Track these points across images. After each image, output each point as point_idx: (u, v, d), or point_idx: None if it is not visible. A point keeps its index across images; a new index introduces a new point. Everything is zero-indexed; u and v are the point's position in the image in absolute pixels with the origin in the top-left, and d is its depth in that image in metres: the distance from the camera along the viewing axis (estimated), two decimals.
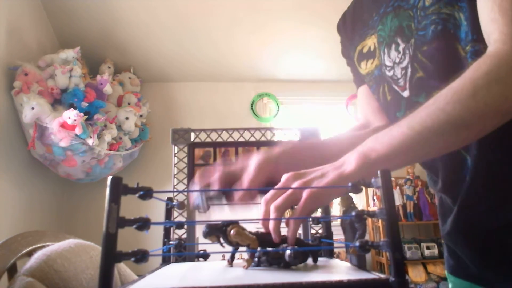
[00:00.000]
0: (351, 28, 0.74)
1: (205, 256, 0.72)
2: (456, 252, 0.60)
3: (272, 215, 0.46)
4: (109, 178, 0.34)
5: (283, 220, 0.47)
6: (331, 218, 0.72)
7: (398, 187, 2.81)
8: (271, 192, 0.48)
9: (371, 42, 0.67)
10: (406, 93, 0.59)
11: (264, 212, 0.48)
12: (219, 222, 0.49)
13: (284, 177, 0.47)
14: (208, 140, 0.91)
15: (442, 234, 0.64)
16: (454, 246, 0.60)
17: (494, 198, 0.51)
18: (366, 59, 0.69)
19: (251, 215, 0.56)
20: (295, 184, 0.46)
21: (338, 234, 2.63)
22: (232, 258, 0.54)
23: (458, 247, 0.59)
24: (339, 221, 2.65)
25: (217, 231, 0.49)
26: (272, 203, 0.46)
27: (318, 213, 0.81)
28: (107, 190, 0.33)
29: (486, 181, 0.51)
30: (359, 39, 0.70)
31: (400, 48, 0.58)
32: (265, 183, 0.53)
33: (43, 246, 0.92)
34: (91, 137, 2.16)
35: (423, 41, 0.54)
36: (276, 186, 0.48)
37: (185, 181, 0.86)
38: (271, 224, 0.47)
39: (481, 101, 0.40)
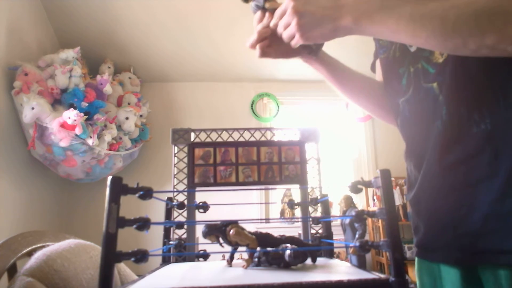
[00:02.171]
0: None
1: (205, 256, 0.72)
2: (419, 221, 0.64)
3: None
4: (109, 178, 0.34)
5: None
6: (331, 218, 0.72)
7: (398, 187, 2.81)
8: None
9: None
10: (413, 48, 0.63)
11: None
12: (219, 222, 0.49)
13: None
14: (208, 140, 0.91)
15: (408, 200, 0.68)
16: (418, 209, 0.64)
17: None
18: None
19: (251, 215, 0.56)
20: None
21: (338, 234, 2.63)
22: (232, 258, 0.54)
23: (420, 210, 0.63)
24: (339, 221, 2.65)
25: (216, 231, 0.49)
26: None
27: (318, 213, 0.81)
28: (107, 190, 0.33)
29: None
30: None
31: None
32: None
33: (43, 246, 0.92)
34: (91, 137, 2.16)
35: None
36: None
37: (185, 181, 0.86)
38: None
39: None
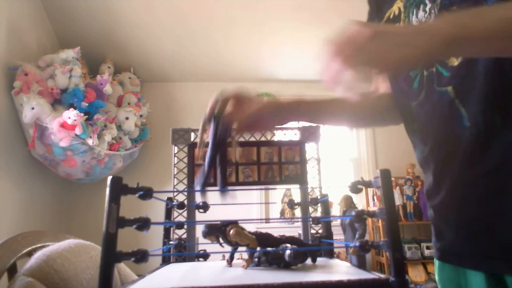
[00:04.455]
0: None
1: (205, 256, 0.72)
2: (442, 229, 0.62)
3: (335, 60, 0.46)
4: (109, 178, 0.34)
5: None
6: (331, 218, 0.72)
7: (398, 187, 2.81)
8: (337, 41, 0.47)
9: (396, 7, 0.70)
10: None
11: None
12: (219, 222, 0.49)
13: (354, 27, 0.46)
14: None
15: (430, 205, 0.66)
16: (442, 218, 0.62)
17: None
18: (393, 23, 0.71)
19: (251, 215, 0.56)
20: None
21: (338, 234, 2.63)
22: (232, 258, 0.54)
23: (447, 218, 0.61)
24: (339, 221, 2.65)
25: (216, 231, 0.49)
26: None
27: (318, 213, 0.81)
28: (107, 190, 0.33)
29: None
30: (388, 6, 0.73)
31: (427, 8, 0.60)
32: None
33: (43, 246, 0.92)
34: (91, 137, 2.16)
35: (451, 1, 0.55)
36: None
37: (185, 181, 0.86)
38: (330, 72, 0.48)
39: None
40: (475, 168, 0.55)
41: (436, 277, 0.67)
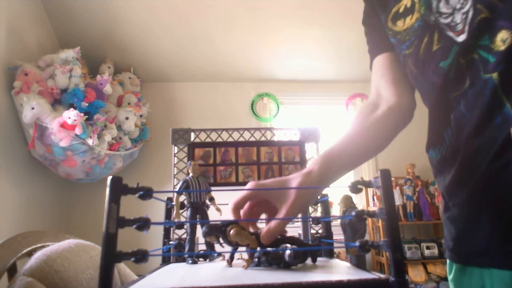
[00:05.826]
0: None
1: (205, 256, 0.72)
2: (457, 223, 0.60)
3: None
4: (109, 178, 0.34)
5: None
6: (331, 218, 0.72)
7: (398, 187, 2.81)
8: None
9: (407, 0, 0.67)
10: (462, 37, 0.57)
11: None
12: (219, 222, 0.49)
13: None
14: (208, 140, 0.91)
15: (441, 189, 0.64)
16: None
17: None
18: (403, 17, 0.68)
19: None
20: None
21: (338, 234, 2.63)
22: (232, 258, 0.54)
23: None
24: (339, 221, 2.65)
25: (216, 231, 0.49)
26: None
27: (318, 213, 0.81)
28: (107, 190, 0.33)
29: None
30: (394, 2, 0.70)
31: None
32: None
33: (43, 246, 0.92)
34: (91, 137, 2.16)
35: None
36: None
37: None
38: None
39: None
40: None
41: (453, 283, 0.63)
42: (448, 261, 0.66)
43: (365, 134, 0.70)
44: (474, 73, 0.56)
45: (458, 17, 0.57)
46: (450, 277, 0.65)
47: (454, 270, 0.63)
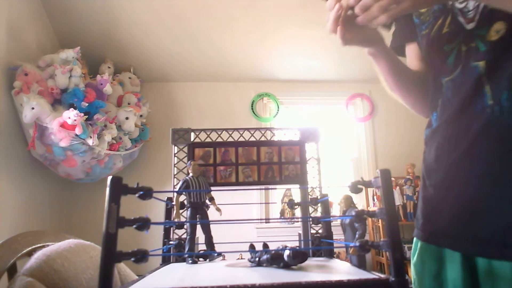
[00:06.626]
0: None
1: (205, 256, 0.72)
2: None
3: None
4: (109, 178, 0.34)
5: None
6: (331, 218, 0.72)
7: (398, 187, 2.80)
8: None
9: None
10: (471, 25, 0.58)
11: None
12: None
13: None
14: (208, 140, 0.91)
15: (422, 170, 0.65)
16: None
17: None
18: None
19: (251, 215, 0.56)
20: None
21: (338, 234, 2.63)
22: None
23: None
24: (339, 221, 2.65)
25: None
26: None
27: (318, 213, 0.81)
28: (107, 190, 0.33)
29: None
30: None
31: None
32: None
33: (43, 246, 0.92)
34: (91, 137, 2.16)
35: None
36: None
37: None
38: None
39: None
40: (486, 146, 0.53)
41: (415, 258, 0.66)
42: (414, 240, 0.68)
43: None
44: (467, 61, 0.58)
45: (471, 4, 0.59)
46: (413, 261, 0.67)
47: (418, 248, 0.65)
